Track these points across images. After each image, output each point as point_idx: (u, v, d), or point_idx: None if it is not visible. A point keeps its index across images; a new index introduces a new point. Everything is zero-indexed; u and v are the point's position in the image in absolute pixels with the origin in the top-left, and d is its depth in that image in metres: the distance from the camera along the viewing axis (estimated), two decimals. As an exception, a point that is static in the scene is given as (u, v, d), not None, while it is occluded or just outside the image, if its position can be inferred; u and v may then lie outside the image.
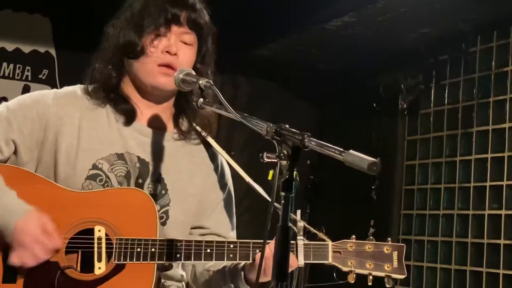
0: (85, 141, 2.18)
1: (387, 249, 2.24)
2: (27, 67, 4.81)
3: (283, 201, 1.62)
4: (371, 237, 2.24)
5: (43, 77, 4.85)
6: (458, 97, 4.63)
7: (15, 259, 2.02)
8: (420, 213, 4.84)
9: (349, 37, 4.77)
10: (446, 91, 4.74)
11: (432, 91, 4.84)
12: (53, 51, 4.88)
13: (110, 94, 2.23)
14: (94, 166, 2.16)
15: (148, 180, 2.22)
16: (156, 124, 2.27)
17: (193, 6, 2.23)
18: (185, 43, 2.22)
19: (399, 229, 4.98)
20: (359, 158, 1.51)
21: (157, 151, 2.24)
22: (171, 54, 2.18)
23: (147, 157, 2.23)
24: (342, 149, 1.56)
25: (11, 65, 4.78)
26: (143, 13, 2.20)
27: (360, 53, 5.14)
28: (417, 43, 4.83)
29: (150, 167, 2.22)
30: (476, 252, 4.34)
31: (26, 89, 4.73)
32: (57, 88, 2.33)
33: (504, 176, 4.21)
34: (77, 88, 2.27)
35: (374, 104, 5.26)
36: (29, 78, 4.82)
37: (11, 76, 4.77)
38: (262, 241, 1.85)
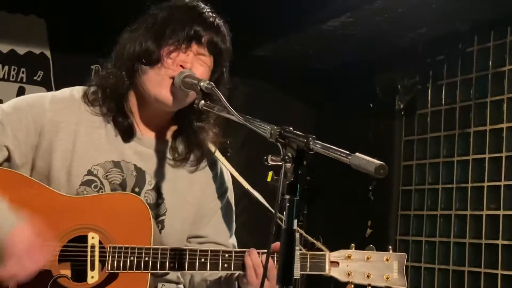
0: (80, 146, 2.14)
1: (387, 259, 2.19)
2: (22, 69, 4.78)
3: (288, 204, 1.59)
4: (371, 245, 2.19)
5: (38, 79, 4.81)
6: (455, 97, 4.61)
7: (3, 272, 1.95)
8: (417, 214, 4.82)
9: (346, 37, 4.75)
10: (443, 91, 4.72)
11: (429, 91, 4.82)
12: (48, 53, 4.84)
13: (114, 106, 2.17)
14: (89, 172, 2.13)
15: (145, 189, 2.18)
16: (154, 134, 2.24)
17: (218, 28, 2.19)
18: (201, 63, 2.17)
19: (396, 230, 4.96)
20: (366, 161, 1.46)
21: (154, 160, 2.21)
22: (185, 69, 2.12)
23: (144, 166, 2.20)
24: (348, 152, 1.52)
25: (6, 67, 4.75)
26: (166, 24, 2.14)
27: (357, 53, 5.12)
28: (414, 43, 4.82)
29: (147, 176, 2.19)
30: (474, 253, 4.32)
31: (21, 91, 4.70)
32: (52, 90, 2.29)
33: (502, 176, 4.19)
34: (75, 92, 2.22)
35: (371, 105, 5.24)
36: (24, 80, 4.78)
37: (6, 78, 4.74)
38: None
